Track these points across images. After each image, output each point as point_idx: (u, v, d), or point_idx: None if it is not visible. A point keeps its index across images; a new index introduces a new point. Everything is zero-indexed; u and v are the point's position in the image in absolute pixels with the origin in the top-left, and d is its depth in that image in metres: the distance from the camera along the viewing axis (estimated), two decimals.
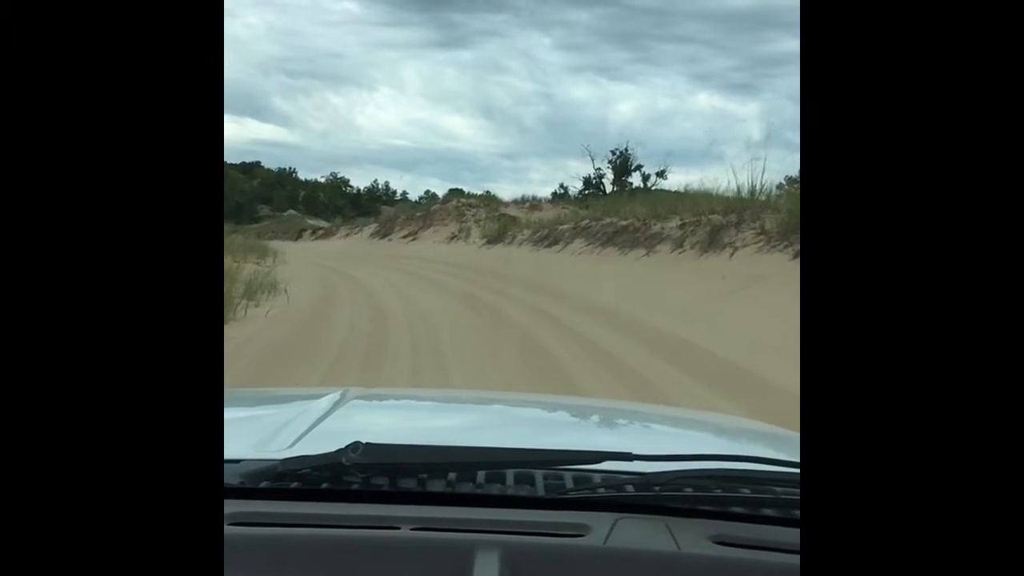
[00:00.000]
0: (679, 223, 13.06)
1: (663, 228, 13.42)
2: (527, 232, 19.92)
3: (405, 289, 11.91)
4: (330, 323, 8.00)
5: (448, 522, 0.74)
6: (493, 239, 21.15)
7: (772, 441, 1.31)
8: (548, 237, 18.06)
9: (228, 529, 0.67)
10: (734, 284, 8.99)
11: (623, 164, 33.65)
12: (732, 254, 10.55)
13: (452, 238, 23.92)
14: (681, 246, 12.11)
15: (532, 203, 27.61)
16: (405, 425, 1.40)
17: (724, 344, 6.53)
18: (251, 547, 0.69)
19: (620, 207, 16.90)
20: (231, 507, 0.72)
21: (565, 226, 18.04)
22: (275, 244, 31.83)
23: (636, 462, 0.82)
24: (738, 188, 13.08)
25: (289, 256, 21.30)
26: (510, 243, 19.92)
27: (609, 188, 32.57)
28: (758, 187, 12.75)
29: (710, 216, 12.12)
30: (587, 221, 17.15)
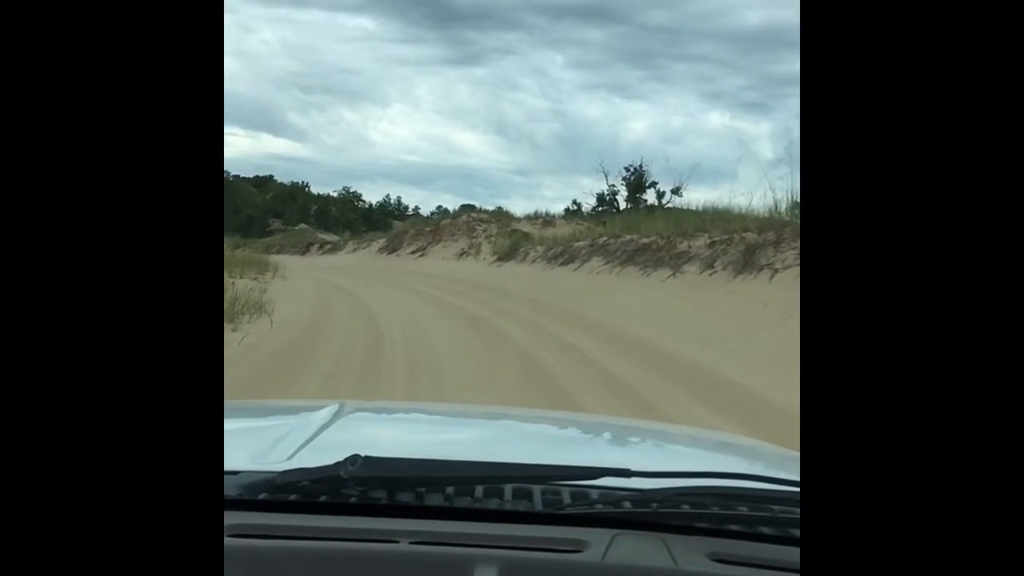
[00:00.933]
0: (708, 241, 11.87)
1: (690, 246, 12.23)
2: (540, 249, 18.76)
3: (407, 310, 10.76)
4: (311, 356, 6.73)
5: (446, 536, 0.74)
6: (504, 256, 19.99)
7: (771, 459, 1.30)
8: (563, 254, 16.90)
9: (227, 541, 0.66)
10: (779, 312, 7.78)
11: (638, 181, 32.97)
12: (772, 276, 9.35)
13: (462, 254, 22.77)
14: (711, 267, 10.92)
15: (545, 219, 26.47)
16: (404, 438, 1.37)
17: (784, 387, 5.32)
18: (250, 559, 0.69)
19: (640, 223, 15.72)
20: (230, 519, 0.71)
21: (581, 243, 16.87)
22: (281, 258, 30.99)
23: (634, 478, 0.81)
24: (775, 204, 11.88)
25: (291, 271, 20.22)
26: (522, 260, 18.74)
27: (623, 205, 32.32)
28: (785, 205, 11.55)
29: (744, 234, 10.93)
30: (605, 238, 15.97)
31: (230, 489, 0.77)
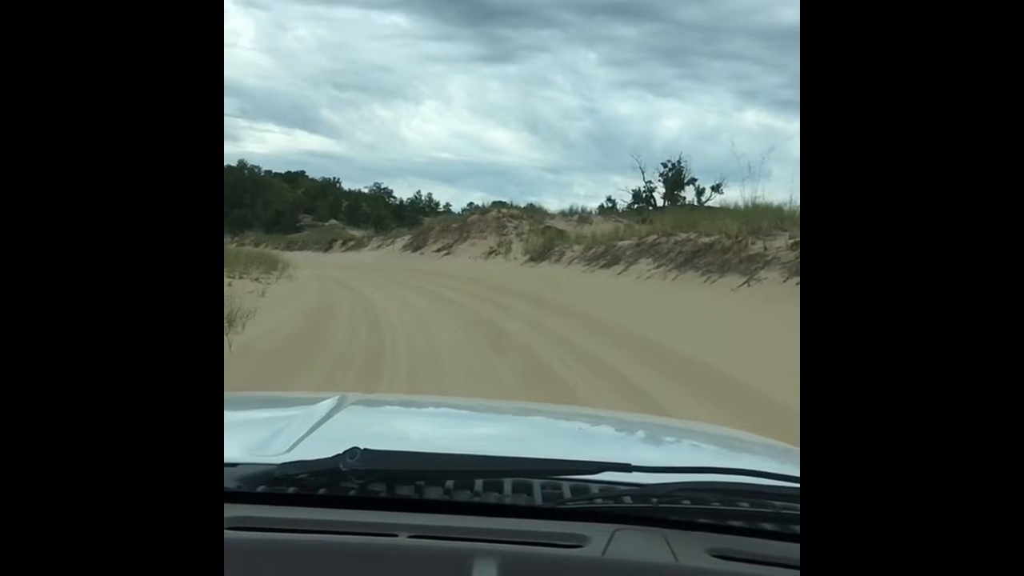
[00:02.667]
0: (791, 242, 9.51)
1: (766, 248, 9.88)
2: (578, 248, 16.45)
3: (421, 320, 8.55)
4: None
5: (445, 530, 0.72)
6: (537, 255, 17.71)
7: (772, 455, 1.27)
8: (605, 255, 14.60)
9: (226, 533, 0.65)
10: None
11: (676, 177, 31.08)
12: None
13: (490, 253, 20.52)
14: (797, 273, 8.57)
15: (581, 215, 24.14)
16: (403, 431, 1.34)
17: None
18: (248, 552, 0.68)
19: (697, 220, 13.35)
20: (229, 511, 0.69)
21: (625, 242, 14.54)
22: (302, 255, 29.12)
23: (635, 473, 0.79)
24: None
25: (303, 270, 18.15)
26: (557, 261, 16.44)
27: (660, 202, 30.73)
28: None
29: None
30: (655, 236, 13.62)
31: (229, 482, 0.75)
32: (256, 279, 14.02)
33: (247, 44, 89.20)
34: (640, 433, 1.44)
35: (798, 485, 0.62)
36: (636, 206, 29.07)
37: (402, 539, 0.70)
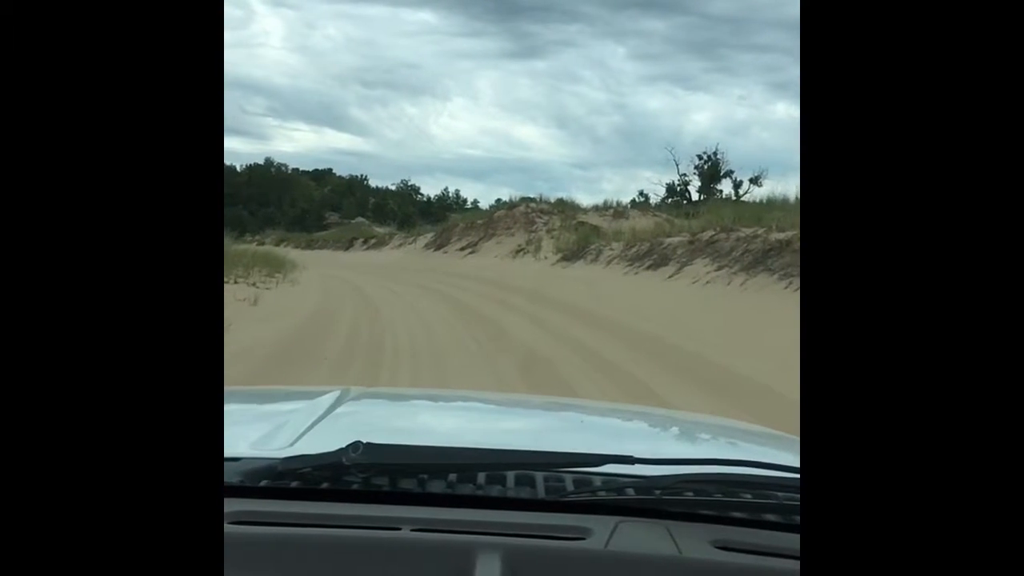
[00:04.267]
0: None
1: None
2: (616, 246, 14.37)
3: (433, 339, 6.60)
4: None
5: (449, 523, 0.71)
6: (570, 254, 15.66)
7: (775, 445, 1.21)
8: (650, 254, 12.52)
9: (228, 528, 0.64)
10: None
11: (712, 170, 29.28)
12: None
13: (518, 251, 18.50)
14: None
15: (616, 209, 22.02)
16: (405, 425, 1.30)
17: None
18: (251, 546, 0.67)
19: (761, 214, 11.25)
20: (231, 506, 0.68)
21: (674, 239, 12.46)
22: (320, 254, 27.36)
23: (637, 465, 0.78)
24: None
25: (313, 270, 16.30)
26: (594, 260, 14.38)
27: (695, 195, 29.23)
28: None
29: None
30: (712, 232, 11.52)
31: (231, 476, 0.73)
32: (255, 283, 12.19)
33: (276, 44, 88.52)
34: (642, 425, 1.41)
35: (799, 476, 0.61)
36: (670, 200, 27.44)
37: (405, 533, 0.69)
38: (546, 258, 16.57)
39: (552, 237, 18.69)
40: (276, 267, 14.86)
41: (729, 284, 9.30)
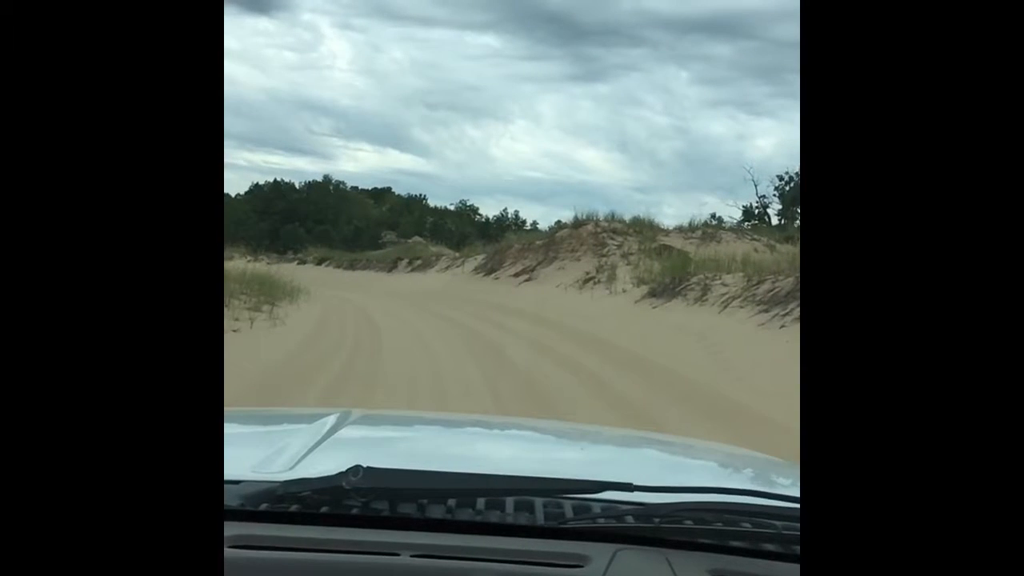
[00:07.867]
0: None
1: None
2: (730, 279, 9.93)
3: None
4: None
5: (448, 549, 0.71)
6: (660, 288, 11.25)
7: (774, 473, 1.20)
8: (794, 295, 8.06)
9: (228, 552, 0.63)
10: None
11: (794, 192, 25.07)
12: None
13: (586, 280, 14.12)
14: None
15: (706, 230, 17.53)
16: (407, 448, 1.28)
17: None
18: (251, 571, 0.66)
19: None
20: (231, 529, 0.67)
21: None
22: (355, 275, 23.56)
23: (637, 492, 0.78)
24: None
25: (333, 300, 12.28)
26: (700, 300, 9.92)
27: (775, 219, 25.21)
28: None
29: None
30: None
31: (232, 499, 0.73)
32: (236, 318, 8.26)
33: (344, 66, 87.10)
34: (642, 451, 1.38)
35: (799, 506, 0.60)
36: (747, 224, 23.44)
37: (405, 558, 0.68)
38: (624, 291, 12.20)
39: (629, 263, 14.34)
40: (270, 294, 10.91)
41: None
